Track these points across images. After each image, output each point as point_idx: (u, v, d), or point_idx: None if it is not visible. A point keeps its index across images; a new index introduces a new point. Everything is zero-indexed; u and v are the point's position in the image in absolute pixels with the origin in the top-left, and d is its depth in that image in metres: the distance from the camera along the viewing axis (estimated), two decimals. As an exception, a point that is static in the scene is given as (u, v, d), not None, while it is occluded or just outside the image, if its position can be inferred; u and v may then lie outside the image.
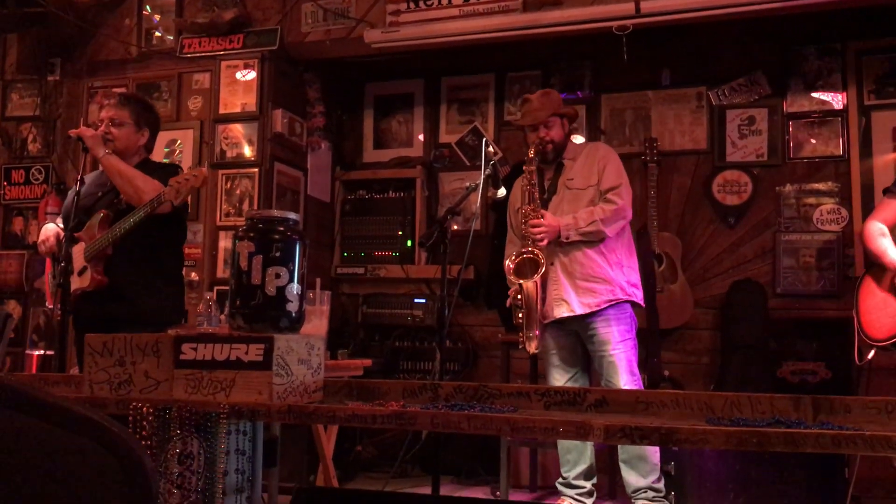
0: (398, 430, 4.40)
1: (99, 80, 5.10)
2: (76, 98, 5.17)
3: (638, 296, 3.59)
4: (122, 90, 4.76)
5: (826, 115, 4.58)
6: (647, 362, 4.23)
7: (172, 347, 1.73)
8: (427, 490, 3.22)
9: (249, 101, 4.71)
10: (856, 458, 3.36)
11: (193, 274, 4.59)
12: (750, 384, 4.13)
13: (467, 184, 4.24)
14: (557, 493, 3.71)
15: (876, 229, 3.37)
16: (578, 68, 5.02)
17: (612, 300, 3.48)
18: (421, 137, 5.38)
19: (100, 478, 0.97)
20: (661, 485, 3.51)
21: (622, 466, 3.56)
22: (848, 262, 4.44)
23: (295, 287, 1.81)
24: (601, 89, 4.99)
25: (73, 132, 3.19)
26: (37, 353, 4.82)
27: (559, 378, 3.62)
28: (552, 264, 3.50)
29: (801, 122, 4.62)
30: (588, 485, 3.63)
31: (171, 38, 4.96)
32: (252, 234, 1.81)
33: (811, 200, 4.56)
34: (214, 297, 3.75)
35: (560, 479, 3.69)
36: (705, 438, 1.36)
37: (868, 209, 4.30)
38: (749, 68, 4.72)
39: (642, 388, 3.64)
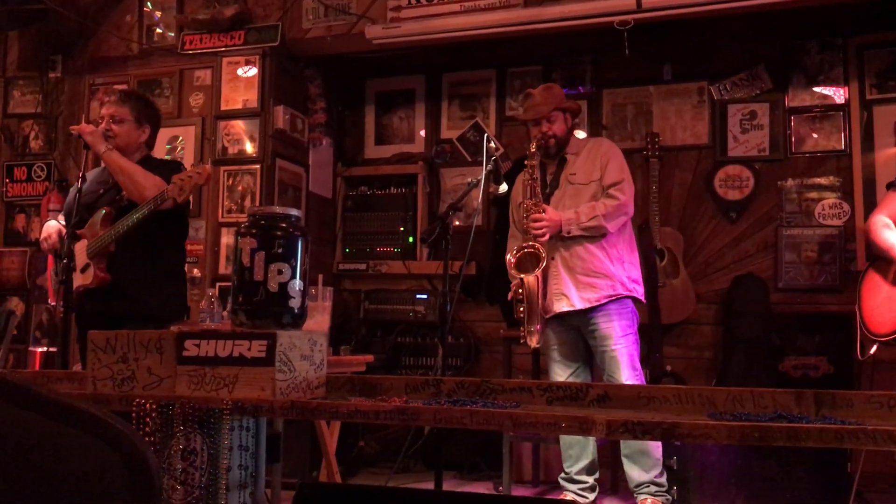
0: (401, 426, 4.40)
1: (100, 76, 5.10)
2: (78, 95, 5.17)
3: (639, 291, 3.59)
4: (124, 87, 4.75)
5: (828, 110, 4.57)
6: (649, 357, 4.23)
7: (175, 344, 1.73)
8: (430, 485, 3.23)
9: (251, 98, 4.71)
10: (859, 452, 3.36)
11: (196, 270, 4.60)
12: (752, 379, 4.13)
13: (469, 179, 4.23)
14: (560, 488, 3.71)
15: (881, 223, 3.37)
16: (580, 63, 5.02)
17: (612, 295, 3.48)
18: (422, 133, 5.38)
19: (104, 474, 0.97)
20: (663, 479, 3.51)
21: (624, 461, 3.56)
22: (850, 256, 4.44)
23: (297, 283, 1.81)
24: (602, 84, 4.99)
25: (73, 129, 3.19)
26: (40, 349, 4.82)
27: (560, 373, 3.62)
28: (553, 259, 3.50)
29: (802, 117, 4.62)
30: (590, 480, 3.64)
31: (172, 34, 4.96)
32: (254, 231, 1.81)
33: (813, 195, 4.56)
34: (217, 294, 3.76)
35: (562, 474, 3.69)
36: (707, 433, 1.36)
37: (870, 203, 4.30)
38: (750, 63, 4.72)
39: (644, 383, 3.64)
